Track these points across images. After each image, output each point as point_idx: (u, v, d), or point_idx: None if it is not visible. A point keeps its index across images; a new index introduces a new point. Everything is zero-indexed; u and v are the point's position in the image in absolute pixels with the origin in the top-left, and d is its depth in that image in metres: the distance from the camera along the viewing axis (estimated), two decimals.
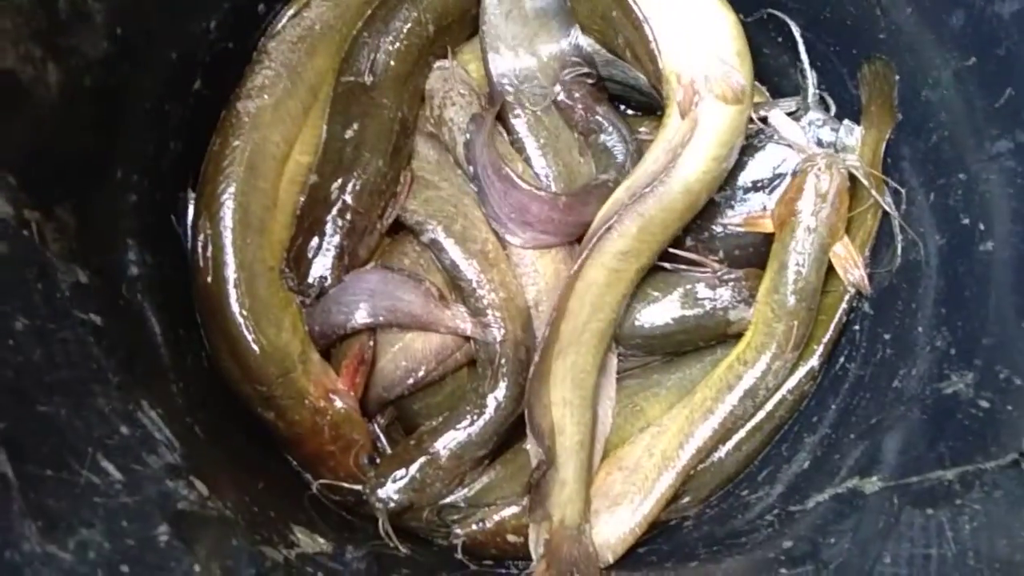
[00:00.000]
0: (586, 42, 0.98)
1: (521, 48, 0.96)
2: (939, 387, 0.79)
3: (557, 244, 0.93)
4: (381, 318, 0.91)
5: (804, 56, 0.97)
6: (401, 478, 0.89)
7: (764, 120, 0.96)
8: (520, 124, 0.95)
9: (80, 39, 0.70)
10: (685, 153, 0.86)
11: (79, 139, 0.71)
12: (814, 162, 0.90)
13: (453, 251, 0.90)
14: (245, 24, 0.92)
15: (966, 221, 0.81)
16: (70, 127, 0.70)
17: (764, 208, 0.95)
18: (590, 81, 0.98)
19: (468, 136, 0.92)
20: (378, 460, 0.93)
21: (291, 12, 0.96)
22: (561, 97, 0.97)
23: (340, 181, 0.90)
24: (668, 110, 0.89)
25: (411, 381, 0.93)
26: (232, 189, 0.87)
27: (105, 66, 0.73)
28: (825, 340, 0.95)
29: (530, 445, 0.90)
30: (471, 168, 0.92)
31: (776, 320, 0.90)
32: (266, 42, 0.94)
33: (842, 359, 0.95)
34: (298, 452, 0.92)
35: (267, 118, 0.90)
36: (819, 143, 0.97)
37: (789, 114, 0.98)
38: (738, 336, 0.95)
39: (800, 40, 0.97)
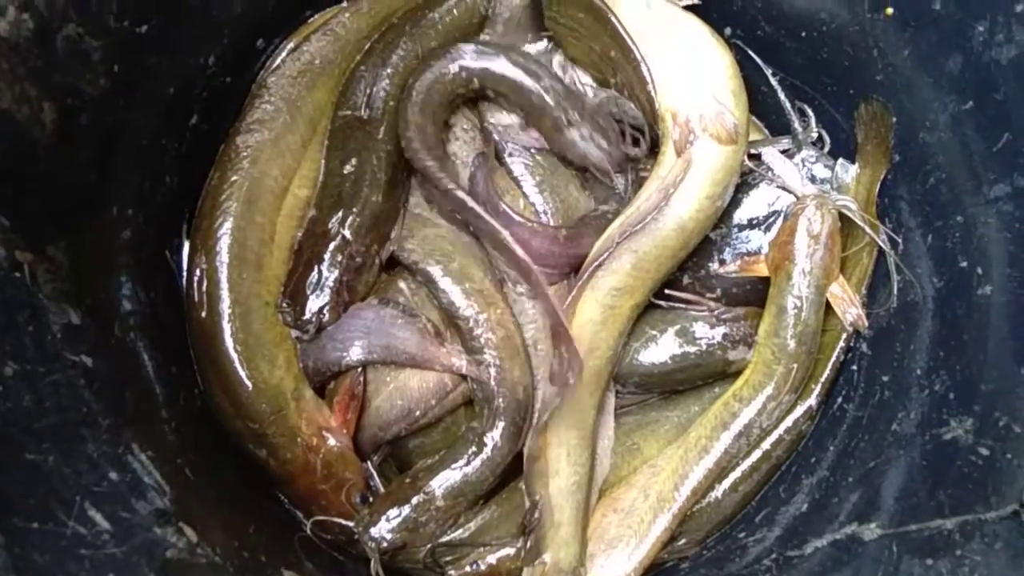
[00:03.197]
0: (580, 82, 0.98)
1: None
2: (938, 432, 0.79)
3: (558, 278, 0.92)
4: (376, 356, 0.90)
5: (782, 96, 0.99)
6: (395, 517, 0.88)
7: (757, 158, 0.97)
8: (516, 163, 0.95)
9: (77, 77, 0.69)
10: (678, 192, 0.86)
11: (74, 177, 0.71)
12: (804, 204, 0.90)
13: (451, 290, 0.89)
14: (243, 59, 0.92)
15: (964, 264, 0.81)
16: (65, 166, 0.69)
17: (759, 251, 0.95)
18: None
19: (471, 171, 0.92)
20: (371, 499, 0.91)
21: (291, 46, 0.96)
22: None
23: (339, 215, 0.89)
24: (663, 148, 0.90)
25: (408, 421, 0.92)
26: (229, 224, 0.87)
27: (102, 104, 0.72)
28: (823, 379, 0.94)
29: (525, 485, 0.89)
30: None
31: (776, 362, 0.90)
32: (265, 76, 0.93)
33: (840, 399, 0.94)
34: (290, 490, 0.90)
35: (266, 152, 0.90)
36: (812, 180, 0.97)
37: (783, 152, 0.99)
38: (738, 374, 0.95)
39: (774, 80, 0.99)
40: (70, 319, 0.66)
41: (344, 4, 0.98)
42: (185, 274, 0.87)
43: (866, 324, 0.92)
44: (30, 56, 0.64)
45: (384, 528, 0.87)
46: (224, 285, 0.86)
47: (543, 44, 0.96)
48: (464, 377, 0.91)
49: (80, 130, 0.70)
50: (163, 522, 0.64)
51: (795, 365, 0.90)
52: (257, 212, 0.89)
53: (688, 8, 0.93)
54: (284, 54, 0.95)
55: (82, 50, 0.69)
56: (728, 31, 0.98)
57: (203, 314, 0.86)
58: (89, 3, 0.68)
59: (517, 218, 0.90)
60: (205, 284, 0.86)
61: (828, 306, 0.92)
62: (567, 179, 0.98)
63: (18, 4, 0.62)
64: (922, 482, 0.79)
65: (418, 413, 0.93)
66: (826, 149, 0.99)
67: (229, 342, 0.85)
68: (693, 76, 0.89)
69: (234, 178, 0.88)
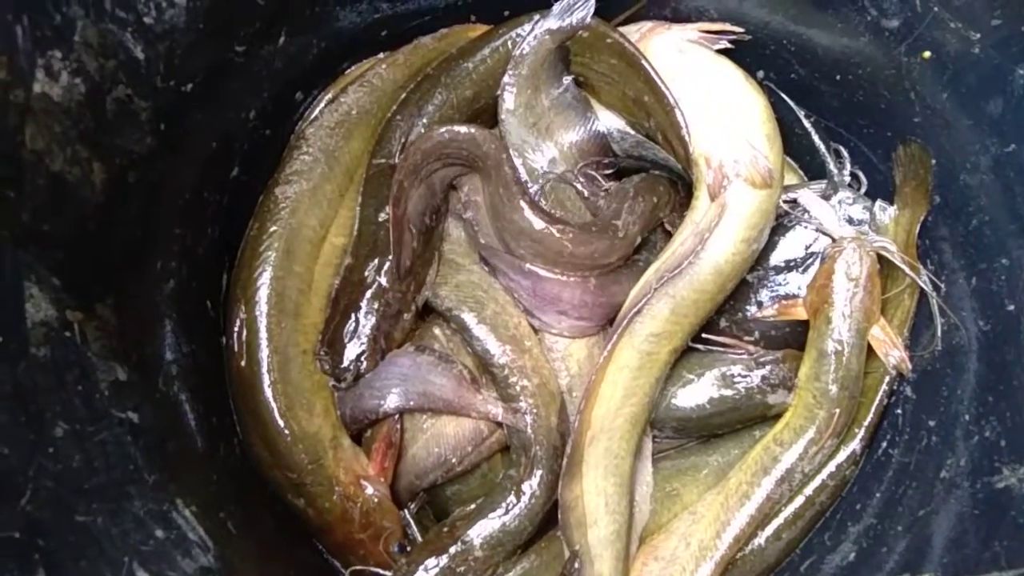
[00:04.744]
0: (610, 126, 0.98)
1: (540, 138, 0.95)
2: (990, 480, 0.77)
3: (595, 330, 0.92)
4: (413, 403, 0.90)
5: (816, 138, 0.98)
6: (433, 567, 0.87)
7: (794, 201, 0.96)
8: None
9: (126, 137, 0.71)
10: (714, 236, 0.86)
11: (121, 234, 0.72)
12: (842, 247, 0.89)
13: (485, 337, 0.89)
14: (282, 112, 0.94)
15: (1011, 307, 0.79)
16: (113, 223, 0.70)
17: (797, 294, 0.94)
18: (608, 172, 0.98)
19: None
20: (408, 548, 0.91)
21: (328, 97, 0.98)
22: (580, 188, 0.97)
23: (375, 263, 0.90)
24: (697, 192, 0.89)
25: (444, 469, 0.91)
26: (268, 274, 0.88)
27: (148, 161, 0.74)
28: (866, 423, 0.92)
29: (563, 534, 0.88)
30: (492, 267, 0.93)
31: (817, 406, 0.88)
32: (304, 128, 0.95)
33: (884, 444, 0.92)
34: (328, 540, 0.90)
35: (304, 203, 0.91)
36: (850, 221, 0.96)
37: (819, 194, 0.98)
38: (778, 418, 0.93)
39: (807, 122, 0.99)
40: (117, 376, 0.67)
41: (380, 56, 1.00)
42: (225, 324, 0.88)
43: (909, 367, 0.90)
44: (81, 119, 0.66)
45: None
46: (263, 334, 0.87)
47: (567, 82, 0.96)
48: (500, 424, 0.91)
49: (128, 188, 0.72)
50: None
51: (837, 410, 0.88)
52: (295, 261, 0.90)
53: (721, 52, 0.93)
54: (322, 105, 0.97)
55: (131, 111, 0.71)
56: (761, 74, 0.98)
57: (242, 363, 0.86)
58: (138, 65, 0.70)
59: (543, 273, 0.90)
60: (245, 333, 0.87)
61: (870, 348, 0.90)
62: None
63: (71, 69, 0.64)
64: (975, 532, 0.76)
65: (454, 460, 0.92)
66: (863, 190, 0.98)
67: (268, 391, 0.86)
68: (727, 120, 0.88)
69: (273, 228, 0.89)
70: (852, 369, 0.88)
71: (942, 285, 0.87)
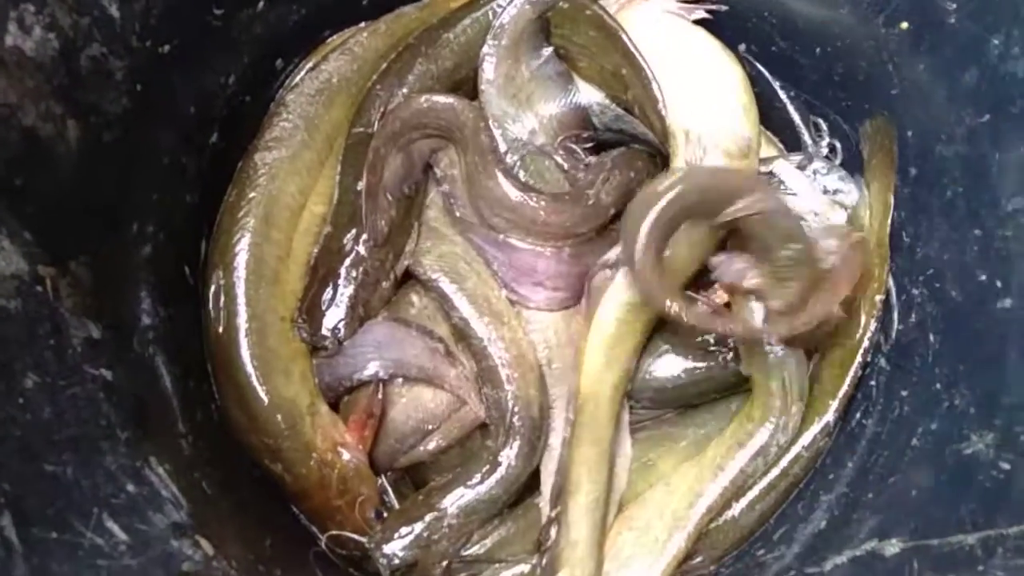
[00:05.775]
0: (590, 99, 0.98)
1: (520, 109, 0.95)
2: (959, 447, 0.78)
3: (572, 301, 0.92)
4: (388, 370, 0.90)
5: (793, 111, 0.99)
6: (407, 534, 0.87)
7: (770, 174, 0.96)
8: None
9: (100, 96, 0.71)
10: None
11: (96, 194, 0.72)
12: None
13: (465, 309, 0.89)
14: (262, 79, 0.94)
15: (983, 278, 0.80)
16: (88, 182, 0.70)
17: None
18: (588, 145, 0.98)
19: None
20: (385, 515, 0.91)
21: (310, 65, 0.97)
22: (559, 160, 0.97)
23: (354, 232, 0.90)
24: (673, 164, 0.90)
25: (421, 434, 0.92)
26: (247, 240, 0.88)
27: (124, 122, 0.74)
28: (840, 395, 0.93)
29: (541, 501, 0.89)
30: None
31: (766, 378, 0.89)
32: (284, 94, 0.95)
33: (858, 415, 0.93)
34: (305, 506, 0.91)
35: (284, 169, 0.91)
36: (825, 191, 0.96)
37: (796, 165, 0.98)
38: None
39: (783, 94, 0.99)
40: (90, 333, 0.67)
41: (362, 24, 1.00)
42: (203, 289, 0.88)
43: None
44: (55, 74, 0.65)
45: (396, 545, 0.87)
46: (241, 300, 0.87)
47: (547, 53, 0.96)
48: (479, 394, 0.91)
49: (103, 148, 0.72)
50: (179, 535, 0.65)
51: (785, 374, 0.89)
52: (274, 228, 0.90)
53: (702, 24, 0.93)
54: (303, 72, 0.97)
55: (106, 69, 0.70)
56: (743, 47, 0.98)
57: (220, 329, 0.86)
58: (113, 24, 0.70)
59: (519, 244, 0.91)
60: (222, 299, 0.87)
61: (851, 316, 0.91)
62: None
63: (44, 24, 0.64)
64: (943, 497, 0.77)
65: (430, 427, 0.93)
66: (838, 162, 0.99)
67: (245, 356, 0.86)
68: (703, 92, 0.89)
69: (252, 195, 0.89)
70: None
71: (917, 253, 0.88)
